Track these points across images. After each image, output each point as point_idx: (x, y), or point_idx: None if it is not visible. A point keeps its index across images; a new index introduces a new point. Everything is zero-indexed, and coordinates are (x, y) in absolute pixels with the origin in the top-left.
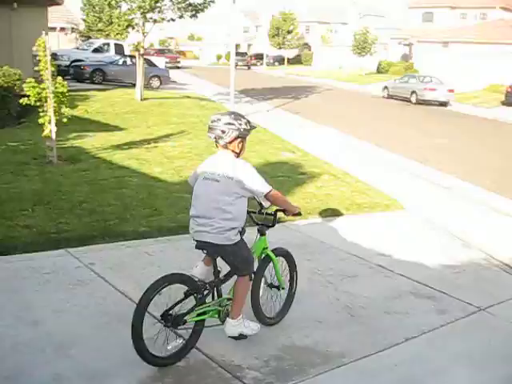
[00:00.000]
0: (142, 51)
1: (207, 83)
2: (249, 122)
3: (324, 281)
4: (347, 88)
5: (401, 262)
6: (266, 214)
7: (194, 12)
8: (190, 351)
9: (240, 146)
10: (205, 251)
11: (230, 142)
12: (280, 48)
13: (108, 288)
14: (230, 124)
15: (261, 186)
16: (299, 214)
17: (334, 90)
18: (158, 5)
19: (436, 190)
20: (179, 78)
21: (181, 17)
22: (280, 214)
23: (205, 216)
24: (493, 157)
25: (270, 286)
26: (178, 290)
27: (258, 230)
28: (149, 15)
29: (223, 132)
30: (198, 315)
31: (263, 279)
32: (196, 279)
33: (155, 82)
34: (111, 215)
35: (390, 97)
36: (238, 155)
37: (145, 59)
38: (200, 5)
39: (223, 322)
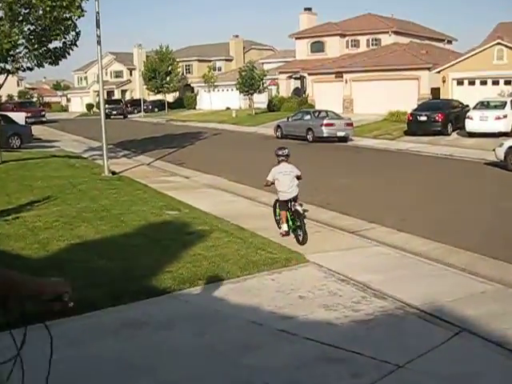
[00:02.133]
0: None
1: (77, 138)
2: None
3: (222, 357)
4: (236, 130)
5: (306, 324)
6: None
7: (53, 59)
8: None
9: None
10: (291, 200)
11: (288, 157)
12: (159, 92)
13: None
14: (288, 150)
15: (299, 172)
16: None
17: (222, 134)
18: (12, 53)
19: (344, 239)
20: (44, 134)
21: (39, 65)
22: None
23: (290, 187)
24: (399, 194)
25: None
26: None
27: None
28: (0, 65)
29: (288, 154)
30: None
31: None
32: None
33: (15, 142)
34: None
35: (285, 136)
36: (288, 162)
37: (1, 116)
38: (60, 50)
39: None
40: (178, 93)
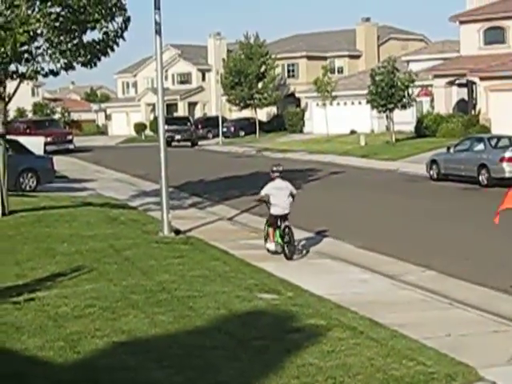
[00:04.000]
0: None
1: (121, 176)
2: None
3: None
4: (366, 167)
5: None
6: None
7: (89, 57)
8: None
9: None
10: (283, 216)
11: (282, 173)
12: (246, 106)
13: None
14: (282, 167)
15: (295, 190)
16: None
17: (345, 173)
18: (26, 48)
19: None
20: (72, 169)
21: (68, 67)
22: None
23: (284, 202)
24: None
25: None
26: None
27: None
28: (11, 67)
29: (282, 171)
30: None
31: None
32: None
33: (29, 181)
34: None
35: (444, 177)
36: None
37: (8, 141)
38: (100, 43)
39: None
40: (275, 107)
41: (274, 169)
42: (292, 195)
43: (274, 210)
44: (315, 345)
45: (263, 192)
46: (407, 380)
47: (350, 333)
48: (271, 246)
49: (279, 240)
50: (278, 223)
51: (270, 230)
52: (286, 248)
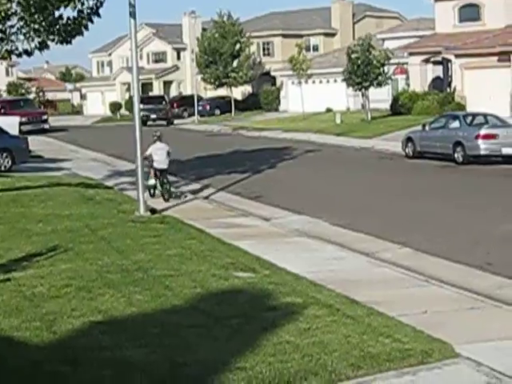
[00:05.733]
0: None
1: (97, 156)
2: None
3: None
4: (342, 145)
5: None
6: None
7: (63, 35)
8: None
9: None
10: (162, 170)
11: (160, 137)
12: (221, 85)
13: None
14: (160, 132)
15: (170, 149)
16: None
17: (320, 151)
18: (1, 28)
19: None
20: (47, 149)
21: (42, 46)
22: None
23: (164, 160)
24: None
25: None
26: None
27: None
28: None
29: (160, 136)
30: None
31: None
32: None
33: (4, 161)
34: None
35: (419, 154)
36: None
37: None
38: (73, 22)
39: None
40: (250, 86)
41: (154, 134)
42: (168, 153)
43: (157, 165)
44: (291, 323)
45: (148, 152)
46: (383, 357)
47: (326, 310)
48: (151, 181)
49: (159, 188)
50: (158, 175)
51: (152, 170)
52: (164, 193)
